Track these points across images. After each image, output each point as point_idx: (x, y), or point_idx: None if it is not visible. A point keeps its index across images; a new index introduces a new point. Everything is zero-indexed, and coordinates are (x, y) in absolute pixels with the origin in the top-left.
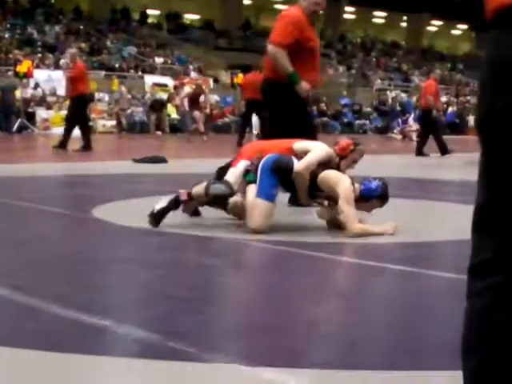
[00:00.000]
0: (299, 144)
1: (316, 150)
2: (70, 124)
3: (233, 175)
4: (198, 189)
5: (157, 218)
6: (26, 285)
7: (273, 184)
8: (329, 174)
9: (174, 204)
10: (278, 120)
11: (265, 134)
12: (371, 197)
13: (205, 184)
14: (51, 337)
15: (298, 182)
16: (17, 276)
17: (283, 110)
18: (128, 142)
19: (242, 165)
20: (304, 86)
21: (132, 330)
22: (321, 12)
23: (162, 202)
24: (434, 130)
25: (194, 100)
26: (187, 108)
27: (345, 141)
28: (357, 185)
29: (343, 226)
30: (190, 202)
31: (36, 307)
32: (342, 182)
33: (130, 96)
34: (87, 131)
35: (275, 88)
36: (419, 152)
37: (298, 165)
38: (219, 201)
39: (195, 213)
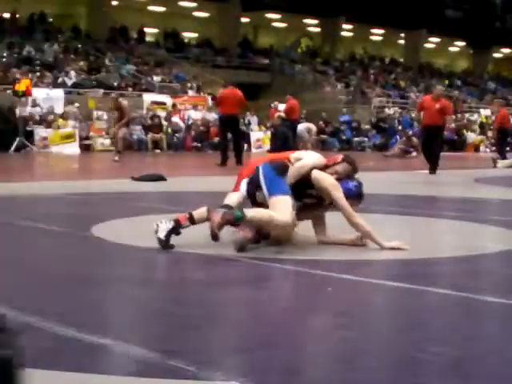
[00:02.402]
0: (295, 154)
1: (310, 156)
2: None
3: (235, 197)
4: (200, 214)
5: (166, 243)
6: (26, 303)
7: (281, 181)
8: (323, 175)
9: (174, 230)
10: None
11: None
12: (349, 197)
13: (205, 209)
14: (50, 355)
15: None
16: (16, 294)
17: None
18: (126, 159)
19: (244, 186)
20: None
21: (131, 348)
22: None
23: (162, 228)
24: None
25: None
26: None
27: (338, 155)
28: None
29: (349, 221)
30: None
31: (35, 325)
32: (336, 186)
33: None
34: None
35: None
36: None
37: (295, 165)
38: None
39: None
